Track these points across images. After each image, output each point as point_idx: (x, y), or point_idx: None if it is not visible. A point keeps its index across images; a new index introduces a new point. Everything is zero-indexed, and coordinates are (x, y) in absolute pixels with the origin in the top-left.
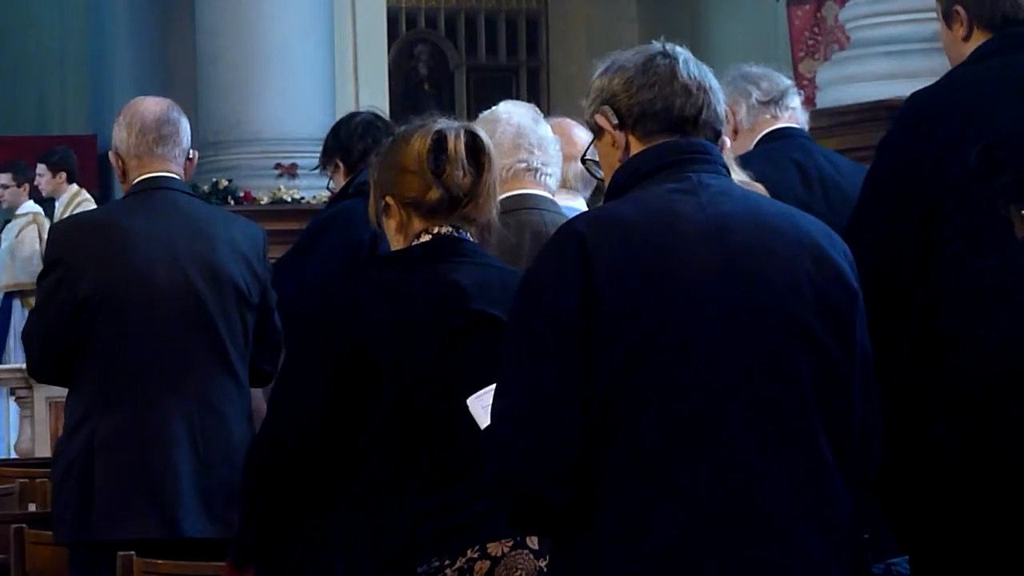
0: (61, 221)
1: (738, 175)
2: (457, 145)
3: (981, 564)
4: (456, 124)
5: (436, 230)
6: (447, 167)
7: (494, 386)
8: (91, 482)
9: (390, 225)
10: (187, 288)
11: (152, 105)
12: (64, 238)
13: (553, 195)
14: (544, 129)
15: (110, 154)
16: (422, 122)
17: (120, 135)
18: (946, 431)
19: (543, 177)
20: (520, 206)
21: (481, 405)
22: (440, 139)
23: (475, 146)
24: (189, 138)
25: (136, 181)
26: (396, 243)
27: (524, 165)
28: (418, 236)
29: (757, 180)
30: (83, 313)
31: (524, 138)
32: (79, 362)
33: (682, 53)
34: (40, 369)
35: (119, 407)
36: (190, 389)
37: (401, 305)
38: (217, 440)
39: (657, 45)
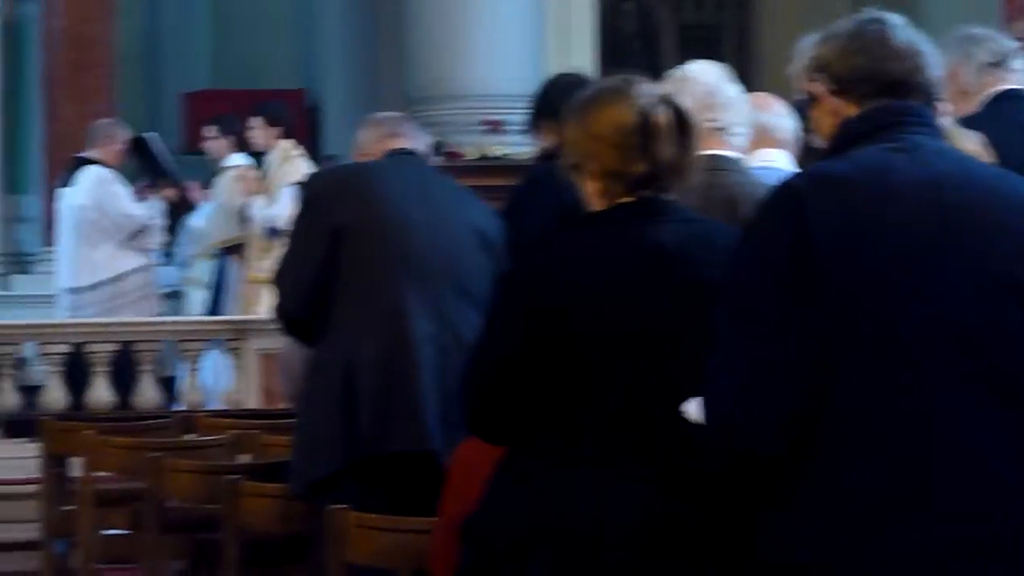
0: (316, 171)
1: (962, 140)
2: (665, 122)
3: None
4: (656, 96)
5: (639, 194)
6: (655, 144)
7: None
8: (355, 406)
9: (588, 187)
10: (440, 225)
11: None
12: (320, 180)
13: (743, 153)
14: (733, 89)
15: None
16: (615, 86)
17: (359, 138)
18: None
19: (731, 137)
20: (709, 167)
21: (695, 408)
22: (646, 118)
23: (681, 121)
24: None
25: (383, 151)
26: (597, 205)
27: (712, 124)
28: (619, 196)
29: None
30: (338, 241)
31: (713, 97)
32: (332, 306)
33: (894, 19)
34: (291, 307)
35: (371, 333)
36: (436, 315)
37: (605, 269)
38: (458, 368)
39: (870, 12)
